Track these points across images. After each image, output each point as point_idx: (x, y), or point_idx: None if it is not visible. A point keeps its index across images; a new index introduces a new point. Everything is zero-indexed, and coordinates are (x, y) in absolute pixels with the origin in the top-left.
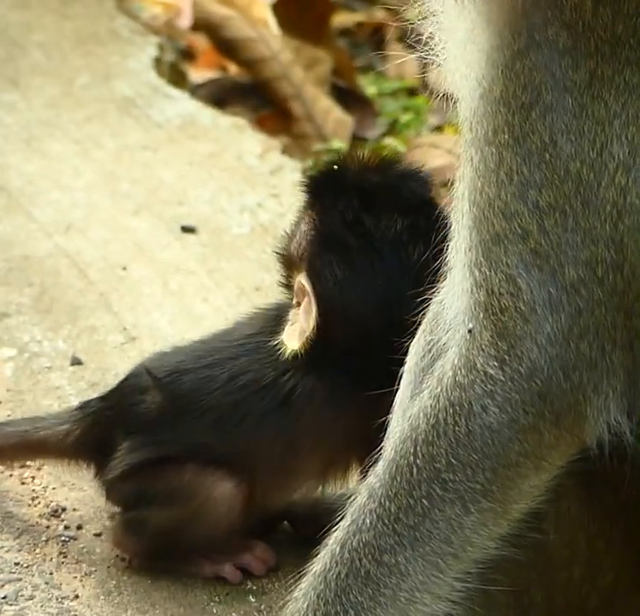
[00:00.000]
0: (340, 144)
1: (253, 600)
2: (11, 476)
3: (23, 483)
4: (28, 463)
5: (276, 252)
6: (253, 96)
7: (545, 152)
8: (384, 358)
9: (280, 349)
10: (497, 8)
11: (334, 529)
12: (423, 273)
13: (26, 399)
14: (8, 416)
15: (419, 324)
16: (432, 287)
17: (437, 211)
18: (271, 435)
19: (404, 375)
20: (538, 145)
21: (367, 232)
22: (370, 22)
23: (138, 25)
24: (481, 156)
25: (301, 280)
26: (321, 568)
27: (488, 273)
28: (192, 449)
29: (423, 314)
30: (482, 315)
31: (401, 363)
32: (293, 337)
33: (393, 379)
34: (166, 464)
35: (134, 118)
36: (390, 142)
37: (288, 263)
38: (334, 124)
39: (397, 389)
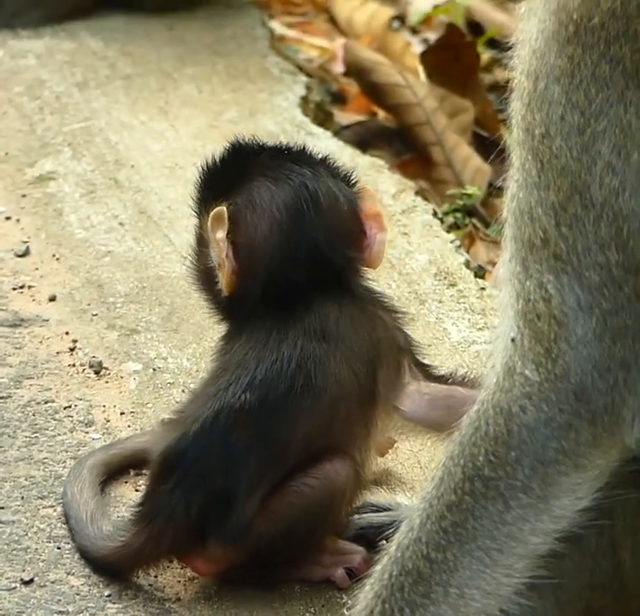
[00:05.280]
0: (475, 190)
1: (347, 614)
2: (126, 483)
3: (137, 490)
4: (145, 471)
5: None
6: (397, 141)
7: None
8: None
9: None
10: None
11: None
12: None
13: (148, 413)
14: (129, 426)
15: None
16: None
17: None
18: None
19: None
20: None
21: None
22: None
23: (288, 65)
24: (514, 161)
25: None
26: (379, 568)
27: (524, 281)
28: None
29: None
30: (521, 322)
31: None
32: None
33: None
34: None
35: None
36: None
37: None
38: (473, 172)
39: None
